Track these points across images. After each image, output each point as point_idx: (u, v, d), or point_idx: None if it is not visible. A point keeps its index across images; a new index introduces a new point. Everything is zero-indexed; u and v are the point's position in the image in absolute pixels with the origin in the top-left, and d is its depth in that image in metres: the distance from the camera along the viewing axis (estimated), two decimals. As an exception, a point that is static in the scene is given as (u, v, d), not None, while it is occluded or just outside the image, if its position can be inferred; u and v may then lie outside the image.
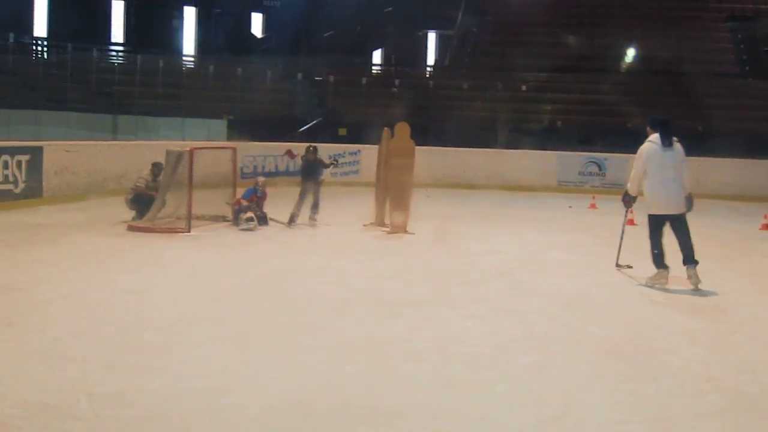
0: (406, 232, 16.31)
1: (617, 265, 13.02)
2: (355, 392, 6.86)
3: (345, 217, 18.41)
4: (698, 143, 28.22)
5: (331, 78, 35.04)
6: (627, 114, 32.02)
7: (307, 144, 19.29)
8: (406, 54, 44.88)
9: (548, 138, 31.60)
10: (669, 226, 11.87)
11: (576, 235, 17.44)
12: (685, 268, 11.74)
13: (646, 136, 12.11)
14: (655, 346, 8.80)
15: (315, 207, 17.28)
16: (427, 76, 41.32)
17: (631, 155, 27.08)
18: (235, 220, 16.34)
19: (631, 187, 12.21)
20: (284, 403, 6.53)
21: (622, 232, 13.09)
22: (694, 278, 11.68)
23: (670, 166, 11.82)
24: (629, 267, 12.83)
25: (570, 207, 23.30)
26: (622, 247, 13.00)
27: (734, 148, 26.84)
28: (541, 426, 6.28)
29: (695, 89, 33.91)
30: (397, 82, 36.42)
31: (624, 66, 38.68)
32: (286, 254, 13.78)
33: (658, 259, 11.92)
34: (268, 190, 17.23)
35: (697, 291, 11.52)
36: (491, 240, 16.37)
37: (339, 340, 8.48)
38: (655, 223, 11.92)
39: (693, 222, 12.00)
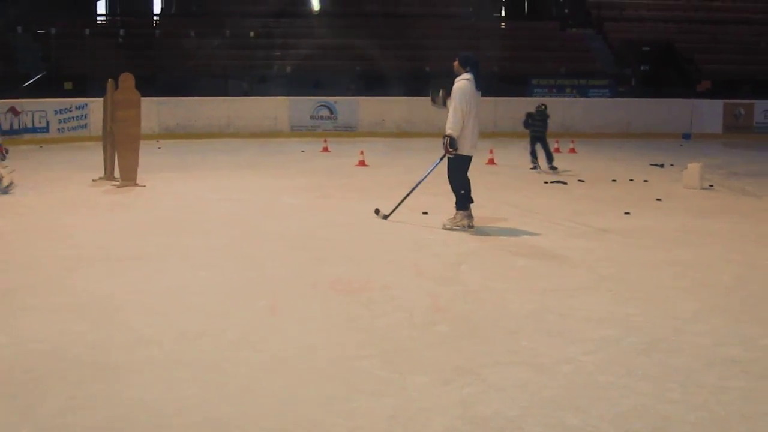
0: (136, 184, 16.03)
1: (384, 216, 12.78)
2: (85, 350, 6.70)
3: (74, 173, 17.94)
4: (426, 84, 28.99)
5: (54, 30, 33.79)
6: (356, 58, 32.47)
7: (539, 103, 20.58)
8: (131, 3, 43.74)
9: (279, 84, 31.65)
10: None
11: (309, 178, 17.57)
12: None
13: (455, 74, 11.88)
14: (386, 281, 8.98)
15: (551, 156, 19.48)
16: (154, 25, 40.53)
17: (362, 98, 27.54)
18: None
19: (457, 129, 11.61)
20: (12, 368, 6.30)
21: (422, 181, 12.74)
22: (472, 218, 11.98)
23: (478, 108, 11.84)
24: (383, 215, 12.78)
25: (303, 151, 23.50)
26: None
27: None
28: (274, 368, 6.32)
29: (421, 31, 34.67)
30: (122, 32, 35.51)
31: (316, 9, 39.21)
32: (9, 214, 13.23)
33: (465, 199, 11.96)
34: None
35: (428, 228, 11.90)
36: (224, 188, 16.27)
37: (68, 299, 8.25)
38: (464, 164, 11.90)
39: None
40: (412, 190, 12.71)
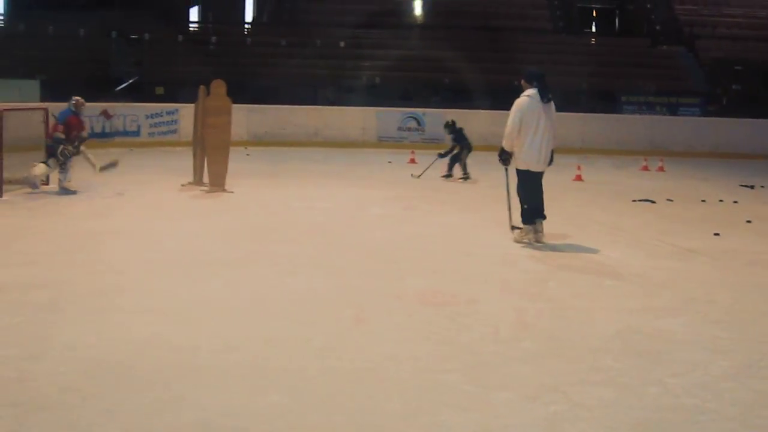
0: (224, 190, 16.19)
1: (512, 228, 12.45)
2: (171, 353, 6.78)
3: (163, 177, 18.18)
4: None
5: (147, 36, 34.32)
6: (445, 70, 32.45)
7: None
8: (224, 11, 44.21)
9: (368, 94, 31.75)
10: None
11: (395, 190, 17.59)
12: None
13: (521, 90, 11.93)
14: (471, 295, 8.95)
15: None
16: (245, 33, 40.89)
17: (450, 110, 27.58)
18: (53, 157, 15.92)
19: (508, 143, 11.78)
20: (100, 367, 6.40)
21: (508, 193, 12.55)
22: (540, 233, 11.94)
23: (546, 122, 11.75)
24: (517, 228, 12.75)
25: (390, 162, 23.52)
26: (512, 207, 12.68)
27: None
28: (358, 378, 6.33)
29: (511, 45, 34.55)
30: (214, 39, 35.94)
31: (418, 19, 39.28)
32: (102, 216, 13.47)
33: (528, 214, 11.93)
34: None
35: (515, 243, 11.85)
36: (311, 197, 16.37)
37: (155, 302, 8.35)
38: (528, 179, 11.87)
39: (510, 172, 12.25)
40: (510, 202, 12.68)
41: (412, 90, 32.66)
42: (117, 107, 26.69)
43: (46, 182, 16.30)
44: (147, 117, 27.16)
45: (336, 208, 15.01)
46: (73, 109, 16.36)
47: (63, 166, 15.93)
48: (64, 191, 15.74)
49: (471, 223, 13.07)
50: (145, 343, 7.03)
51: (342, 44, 35.11)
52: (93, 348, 6.88)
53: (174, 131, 27.43)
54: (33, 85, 29.22)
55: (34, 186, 15.87)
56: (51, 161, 16.00)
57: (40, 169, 15.96)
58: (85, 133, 16.71)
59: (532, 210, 11.91)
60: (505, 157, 11.91)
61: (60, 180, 15.90)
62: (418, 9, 40.06)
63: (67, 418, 5.51)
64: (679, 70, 36.69)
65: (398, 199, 16.10)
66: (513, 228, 12.39)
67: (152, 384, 6.11)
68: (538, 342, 7.41)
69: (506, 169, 12.26)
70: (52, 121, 16.57)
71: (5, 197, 14.93)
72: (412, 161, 23.31)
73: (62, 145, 15.88)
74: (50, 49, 31.94)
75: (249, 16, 45.90)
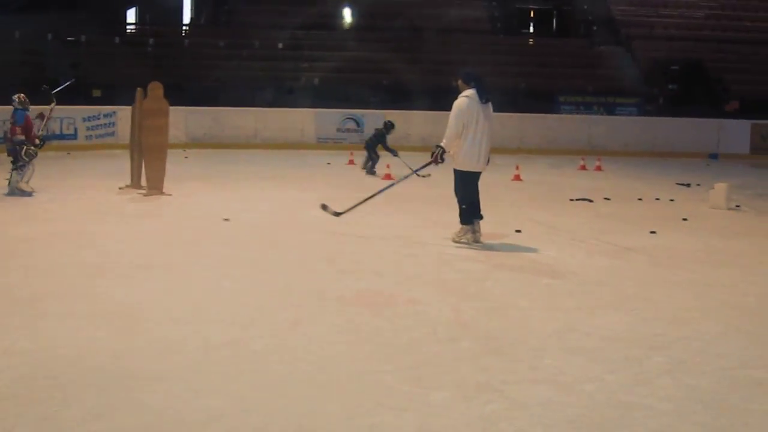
0: (162, 193, 16.08)
1: (335, 213, 13.01)
2: (109, 358, 6.71)
3: (100, 181, 18.02)
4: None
5: (84, 38, 33.99)
6: (383, 71, 32.49)
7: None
8: (161, 12, 43.90)
9: (306, 96, 31.70)
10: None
11: (334, 191, 17.56)
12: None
13: (459, 91, 11.91)
14: (410, 296, 8.96)
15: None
16: (183, 34, 40.65)
17: (389, 111, 27.64)
18: (18, 159, 15.86)
19: (449, 144, 11.73)
20: (34, 373, 6.32)
21: (384, 189, 12.99)
22: (478, 233, 11.96)
23: (485, 122, 11.75)
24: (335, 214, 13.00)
25: (329, 164, 23.54)
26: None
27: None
28: (296, 380, 6.31)
29: (449, 45, 34.66)
30: (151, 41, 35.67)
31: (346, 24, 39.39)
32: (38, 220, 13.31)
33: (467, 214, 11.95)
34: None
35: (452, 243, 11.88)
36: (250, 199, 16.33)
37: (91, 307, 8.26)
38: (467, 179, 11.88)
39: (447, 174, 12.28)
40: (381, 191, 13.16)
41: (351, 91, 32.65)
42: (53, 110, 26.35)
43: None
44: (84, 120, 26.92)
45: (275, 210, 14.97)
46: (21, 107, 16.21)
47: (22, 168, 15.76)
48: (20, 192, 15.56)
49: (409, 224, 13.10)
50: (81, 348, 6.95)
51: (280, 46, 35.02)
52: (28, 354, 6.79)
53: (112, 134, 27.21)
54: (-34, 88, 28.79)
55: (27, 193, 15.63)
56: (18, 164, 15.86)
57: (25, 177, 15.80)
58: (42, 132, 16.70)
59: (471, 210, 11.95)
60: (443, 157, 11.88)
61: (16, 181, 15.70)
62: (347, 16, 40.14)
63: (0, 428, 5.44)
64: (616, 70, 36.99)
65: (337, 201, 16.03)
66: (336, 214, 12.94)
67: (89, 390, 6.04)
68: (476, 341, 7.43)
69: (425, 164, 12.40)
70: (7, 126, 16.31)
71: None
72: (351, 162, 23.33)
73: (25, 146, 15.77)
74: (-16, 51, 31.51)
75: (187, 17, 45.66)
